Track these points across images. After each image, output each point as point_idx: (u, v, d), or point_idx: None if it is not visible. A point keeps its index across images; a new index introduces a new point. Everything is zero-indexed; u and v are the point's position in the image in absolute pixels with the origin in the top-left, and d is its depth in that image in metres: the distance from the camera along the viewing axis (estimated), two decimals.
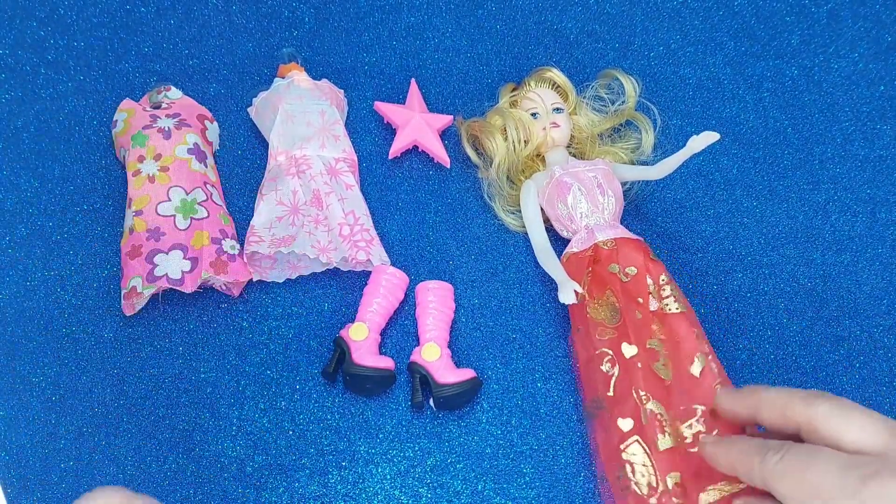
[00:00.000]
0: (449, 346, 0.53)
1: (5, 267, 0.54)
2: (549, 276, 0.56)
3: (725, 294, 0.56)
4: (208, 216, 0.53)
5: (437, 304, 0.53)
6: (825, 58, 0.64)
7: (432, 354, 0.51)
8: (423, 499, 0.50)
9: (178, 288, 0.51)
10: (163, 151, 0.54)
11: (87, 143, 0.58)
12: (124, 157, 0.56)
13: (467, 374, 0.51)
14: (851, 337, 0.55)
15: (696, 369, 0.49)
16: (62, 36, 0.61)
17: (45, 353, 0.52)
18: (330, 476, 0.50)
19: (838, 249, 0.58)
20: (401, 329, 0.54)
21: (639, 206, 0.58)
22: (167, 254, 0.51)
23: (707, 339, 0.50)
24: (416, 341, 0.53)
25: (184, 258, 0.51)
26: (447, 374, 0.50)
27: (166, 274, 0.51)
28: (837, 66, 0.63)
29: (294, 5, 0.63)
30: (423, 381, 0.51)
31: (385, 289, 0.53)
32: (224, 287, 0.54)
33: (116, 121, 0.57)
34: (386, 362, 0.51)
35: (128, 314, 0.53)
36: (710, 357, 0.49)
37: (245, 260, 0.53)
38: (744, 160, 0.60)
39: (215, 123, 0.59)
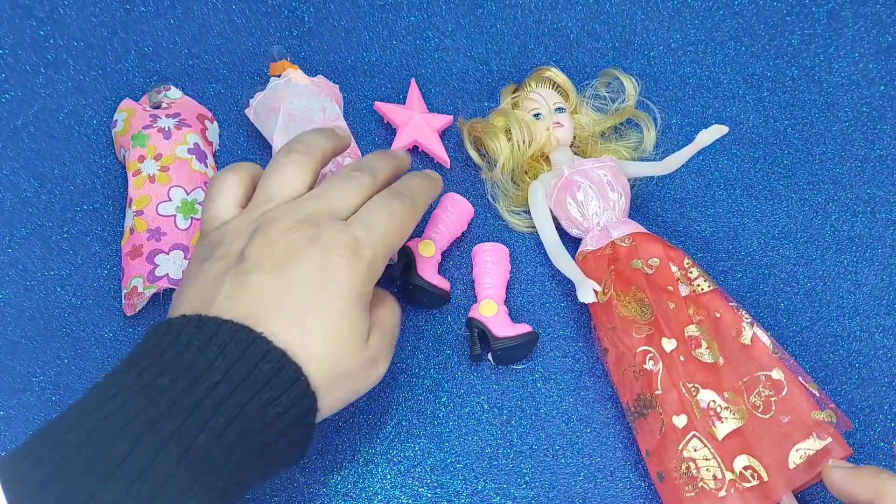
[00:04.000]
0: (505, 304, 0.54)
1: (5, 267, 0.54)
2: (550, 278, 0.56)
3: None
4: None
5: (493, 264, 0.54)
6: (825, 57, 0.63)
7: (490, 310, 0.52)
8: (423, 499, 0.50)
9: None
10: (163, 151, 0.54)
11: (87, 143, 0.58)
12: (124, 157, 0.56)
13: (524, 328, 0.52)
14: (851, 337, 0.55)
15: (745, 338, 0.49)
16: (62, 35, 0.61)
17: (44, 353, 0.52)
18: (330, 476, 0.50)
19: (838, 249, 0.58)
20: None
21: (638, 206, 0.58)
22: (168, 254, 0.51)
23: (746, 309, 0.51)
24: (474, 299, 0.54)
25: (185, 258, 0.51)
26: (504, 328, 0.52)
27: (167, 274, 0.51)
28: (838, 66, 0.63)
29: (294, 4, 0.63)
30: (481, 335, 0.52)
31: (453, 215, 0.55)
32: None
33: (116, 121, 0.57)
34: (444, 283, 0.53)
35: (128, 314, 0.53)
36: (755, 325, 0.50)
37: None
38: (743, 160, 0.60)
39: (215, 123, 0.59)
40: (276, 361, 0.39)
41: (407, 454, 0.51)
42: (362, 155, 0.58)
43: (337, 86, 0.59)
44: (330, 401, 0.42)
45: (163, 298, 0.53)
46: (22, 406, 0.51)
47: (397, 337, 0.47)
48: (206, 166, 0.56)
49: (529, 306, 0.55)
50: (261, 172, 0.48)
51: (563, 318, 0.55)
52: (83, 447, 0.34)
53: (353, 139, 0.57)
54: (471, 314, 0.53)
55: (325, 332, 0.41)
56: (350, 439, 0.51)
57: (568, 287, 0.55)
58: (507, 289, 0.55)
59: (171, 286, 0.51)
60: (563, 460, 0.51)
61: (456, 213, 0.56)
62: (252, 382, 0.38)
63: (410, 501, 0.50)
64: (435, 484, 0.50)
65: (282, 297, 0.41)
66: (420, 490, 0.50)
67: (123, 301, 0.52)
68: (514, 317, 0.54)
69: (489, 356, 0.53)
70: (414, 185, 0.48)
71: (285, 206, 0.44)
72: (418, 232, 0.56)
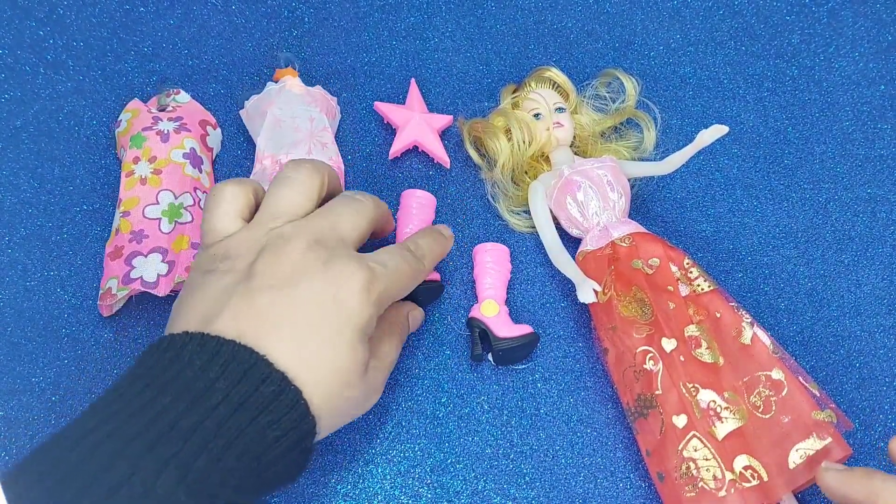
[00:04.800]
0: (506, 304, 0.54)
1: (5, 267, 0.54)
2: (550, 278, 0.56)
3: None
4: (192, 221, 0.53)
5: (493, 263, 0.54)
6: (826, 57, 0.63)
7: (491, 310, 0.52)
8: (423, 499, 0.50)
9: (151, 291, 0.50)
10: (158, 154, 0.54)
11: (87, 143, 0.58)
12: (122, 158, 0.56)
13: (525, 329, 0.52)
14: (851, 337, 0.55)
15: (746, 338, 0.49)
16: (61, 36, 0.61)
17: (45, 354, 0.52)
18: (330, 476, 0.50)
19: (839, 249, 0.58)
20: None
21: (638, 206, 0.58)
22: (146, 256, 0.51)
23: (746, 309, 0.51)
24: (475, 299, 0.54)
25: (162, 261, 0.51)
26: (506, 328, 0.52)
27: (141, 277, 0.50)
28: (838, 66, 0.63)
29: (294, 5, 0.63)
30: (482, 335, 0.52)
31: (416, 209, 0.55)
32: None
33: (121, 121, 0.57)
34: (432, 274, 0.53)
35: (105, 315, 0.53)
36: (755, 325, 0.50)
37: None
38: (744, 160, 0.60)
39: (218, 130, 0.59)
40: (276, 385, 0.38)
41: (407, 454, 0.51)
42: (344, 165, 0.58)
43: (335, 99, 0.59)
44: (326, 427, 0.42)
45: (138, 301, 0.53)
46: (22, 407, 0.51)
47: (391, 371, 0.47)
48: (201, 172, 0.55)
49: (530, 306, 0.55)
50: (262, 190, 0.47)
51: (563, 318, 0.55)
52: (84, 465, 0.34)
53: (338, 153, 0.57)
54: (472, 314, 0.53)
55: (331, 360, 0.41)
56: (350, 439, 0.51)
57: (568, 287, 0.55)
58: (507, 289, 0.55)
59: (144, 289, 0.50)
60: (563, 460, 0.51)
61: (418, 207, 0.55)
62: (252, 405, 0.38)
63: (410, 501, 0.50)
64: (435, 484, 0.50)
65: (289, 317, 0.40)
66: (420, 490, 0.50)
67: (99, 302, 0.52)
68: (515, 317, 0.54)
69: (490, 356, 0.53)
70: (425, 244, 0.48)
71: (295, 225, 0.43)
72: (390, 237, 0.56)
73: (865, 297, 0.56)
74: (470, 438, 0.51)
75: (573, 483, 0.51)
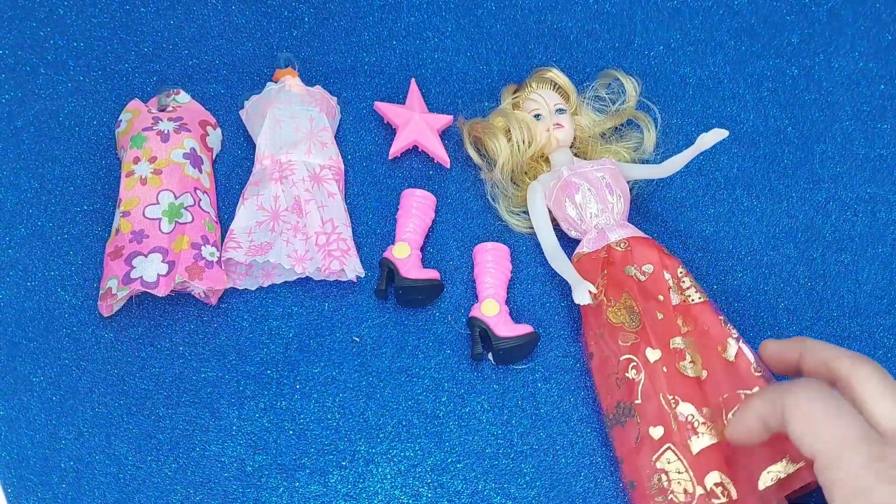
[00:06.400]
0: (507, 303, 0.54)
1: (5, 267, 0.54)
2: (550, 278, 0.56)
3: (725, 294, 0.56)
4: (192, 221, 0.53)
5: (493, 263, 0.54)
6: (825, 56, 0.63)
7: (491, 310, 0.52)
8: (424, 498, 0.50)
9: (151, 291, 0.50)
10: (158, 154, 0.54)
11: (87, 144, 0.58)
12: (123, 158, 0.56)
13: (525, 328, 0.52)
14: (851, 337, 0.55)
15: (730, 354, 0.49)
16: (62, 36, 0.61)
17: (45, 354, 0.52)
18: (330, 476, 0.50)
19: (838, 249, 0.58)
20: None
21: (638, 206, 0.58)
22: (146, 256, 0.51)
23: (733, 325, 0.51)
24: (475, 299, 0.54)
25: (162, 261, 0.51)
26: (506, 328, 0.52)
27: (141, 277, 0.50)
28: (838, 65, 0.63)
29: (294, 5, 0.63)
30: (482, 335, 0.52)
31: (417, 210, 0.55)
32: (202, 295, 0.54)
33: (121, 121, 0.57)
34: (432, 273, 0.54)
35: (105, 315, 0.53)
36: (741, 341, 0.49)
37: (222, 266, 0.53)
38: (744, 159, 0.60)
39: (218, 130, 0.59)
40: None
41: (407, 454, 0.51)
42: (344, 165, 0.58)
43: (335, 99, 0.59)
44: None
45: (138, 301, 0.54)
46: (23, 407, 0.51)
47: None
48: (201, 172, 0.55)
49: (530, 306, 0.55)
50: None
51: (563, 318, 0.55)
52: None
53: (338, 153, 0.57)
54: (472, 313, 0.53)
55: None
56: (350, 439, 0.51)
57: (568, 287, 0.55)
58: (507, 289, 0.55)
59: (144, 289, 0.50)
60: (563, 460, 0.51)
61: (418, 206, 0.56)
62: None
63: (410, 501, 0.50)
64: (435, 484, 0.50)
65: None
66: (420, 490, 0.50)
67: (99, 302, 0.52)
68: (515, 317, 0.54)
69: (490, 356, 0.53)
70: None
71: None
72: (391, 238, 0.56)
73: (865, 296, 0.56)
74: (470, 438, 0.52)
75: (573, 483, 0.51)
